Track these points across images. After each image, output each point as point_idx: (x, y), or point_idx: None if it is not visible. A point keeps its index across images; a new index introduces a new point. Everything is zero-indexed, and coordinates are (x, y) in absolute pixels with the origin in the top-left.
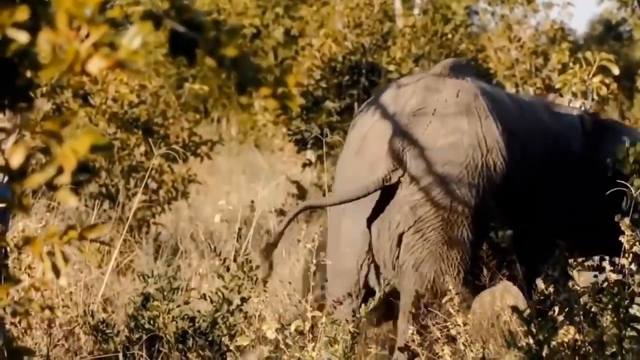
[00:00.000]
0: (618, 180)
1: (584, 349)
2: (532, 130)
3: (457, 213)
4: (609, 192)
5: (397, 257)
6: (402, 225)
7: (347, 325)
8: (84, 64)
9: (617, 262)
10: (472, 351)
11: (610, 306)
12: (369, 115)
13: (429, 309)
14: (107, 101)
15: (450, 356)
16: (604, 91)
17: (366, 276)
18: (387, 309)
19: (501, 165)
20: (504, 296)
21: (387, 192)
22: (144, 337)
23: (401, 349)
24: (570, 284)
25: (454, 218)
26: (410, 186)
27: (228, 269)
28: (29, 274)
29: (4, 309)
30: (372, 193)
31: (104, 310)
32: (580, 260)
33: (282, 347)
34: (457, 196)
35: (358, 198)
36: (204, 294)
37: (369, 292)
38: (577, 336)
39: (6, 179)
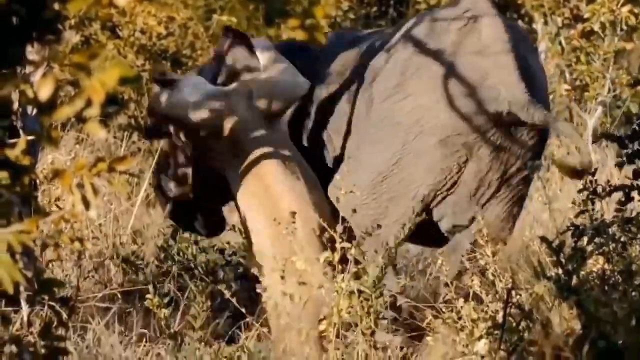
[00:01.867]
0: None
1: (612, 279)
2: None
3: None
4: None
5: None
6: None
7: (377, 256)
8: None
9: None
10: (501, 282)
11: (639, 236)
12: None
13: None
14: (135, 33)
15: (479, 287)
16: (632, 21)
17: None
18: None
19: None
20: (532, 226)
21: (501, 128)
22: (174, 268)
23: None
24: (599, 214)
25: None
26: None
27: None
28: (58, 206)
29: (34, 241)
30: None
31: (134, 242)
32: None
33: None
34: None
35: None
36: (233, 226)
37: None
38: (606, 266)
39: (35, 111)
